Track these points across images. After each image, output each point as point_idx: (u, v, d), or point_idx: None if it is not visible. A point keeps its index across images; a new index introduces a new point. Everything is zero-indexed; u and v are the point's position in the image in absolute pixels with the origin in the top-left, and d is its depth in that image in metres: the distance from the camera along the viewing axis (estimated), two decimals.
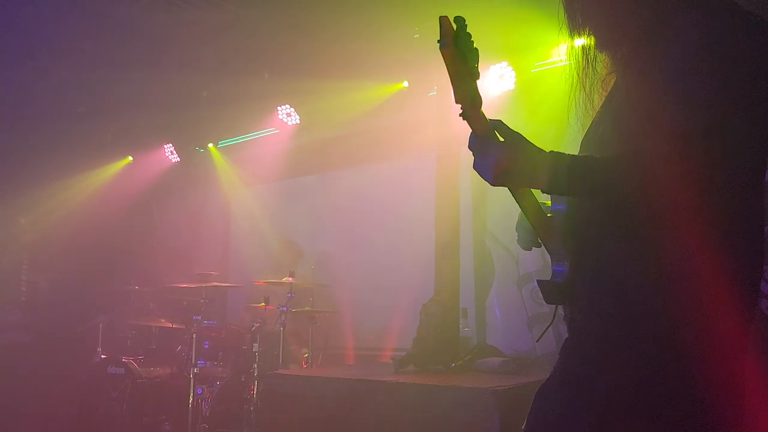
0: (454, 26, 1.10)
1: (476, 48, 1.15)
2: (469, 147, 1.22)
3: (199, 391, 4.10)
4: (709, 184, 1.11)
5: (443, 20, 1.09)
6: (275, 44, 4.64)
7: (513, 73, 4.29)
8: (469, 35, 1.12)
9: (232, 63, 4.89)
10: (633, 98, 1.24)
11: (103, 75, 5.03)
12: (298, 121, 5.54)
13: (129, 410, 4.16)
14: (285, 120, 5.57)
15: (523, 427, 1.26)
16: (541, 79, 4.20)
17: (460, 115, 1.18)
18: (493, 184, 1.19)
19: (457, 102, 1.17)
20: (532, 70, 4.30)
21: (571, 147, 1.46)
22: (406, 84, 4.85)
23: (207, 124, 6.09)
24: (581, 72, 1.41)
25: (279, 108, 5.52)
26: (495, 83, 4.35)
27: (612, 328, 1.18)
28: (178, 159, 6.50)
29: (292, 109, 5.50)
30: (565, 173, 1.15)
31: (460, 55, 1.11)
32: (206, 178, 6.49)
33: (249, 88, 5.22)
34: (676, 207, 1.10)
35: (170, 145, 6.46)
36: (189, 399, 4.03)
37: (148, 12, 4.18)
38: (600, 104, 1.42)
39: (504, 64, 4.30)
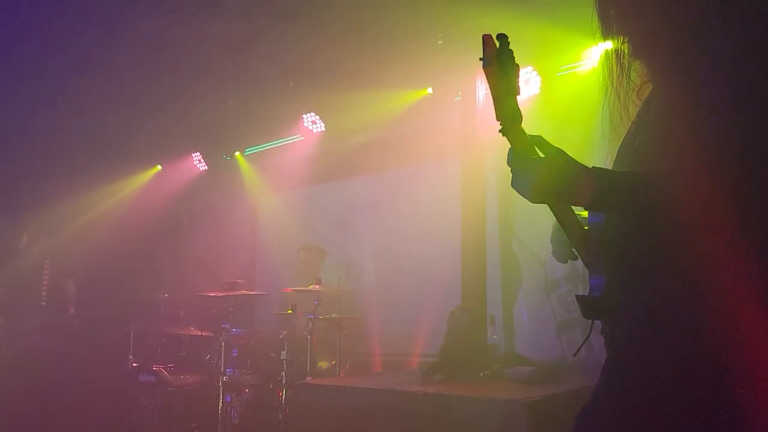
0: (497, 44, 1.10)
1: (517, 64, 1.13)
2: (509, 164, 1.20)
3: (228, 399, 4.14)
4: (749, 204, 1.07)
5: (486, 38, 1.09)
6: (300, 53, 4.67)
7: (539, 78, 4.25)
8: (512, 52, 1.11)
9: (258, 72, 4.95)
10: (672, 109, 1.20)
11: (132, 86, 5.13)
12: (324, 129, 5.57)
13: (159, 418, 4.21)
14: (310, 128, 5.61)
15: None
16: (567, 83, 4.15)
17: (500, 131, 1.17)
18: (532, 201, 1.17)
19: (498, 119, 1.16)
20: (557, 74, 4.25)
21: (597, 152, 1.43)
22: (430, 90, 4.83)
23: (234, 133, 6.17)
24: (615, 80, 1.38)
25: (304, 116, 5.56)
26: (521, 88, 4.30)
27: (652, 349, 1.15)
28: (206, 167, 6.59)
29: (317, 117, 5.54)
30: (607, 191, 1.13)
31: (502, 72, 1.10)
32: (233, 185, 6.56)
33: (275, 97, 5.28)
34: (715, 226, 1.06)
35: (198, 153, 6.56)
36: (218, 407, 4.07)
37: (176, 24, 4.26)
38: (635, 113, 1.39)
39: (530, 68, 4.27)
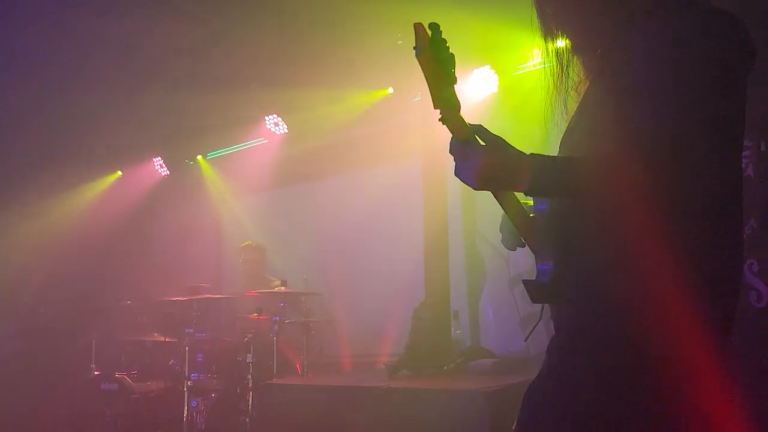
0: (429, 32, 1.12)
1: (452, 53, 1.16)
2: (451, 152, 1.23)
3: (194, 404, 4.09)
4: (680, 185, 1.12)
5: (418, 27, 1.11)
6: (260, 55, 4.65)
7: (496, 77, 4.33)
8: (445, 41, 1.14)
9: (219, 75, 4.91)
10: (605, 102, 1.26)
11: (89, 90, 5.04)
12: (286, 131, 5.56)
13: (123, 426, 4.14)
14: (273, 130, 5.59)
15: (513, 426, 1.27)
16: (524, 81, 4.24)
17: (440, 119, 1.19)
18: (475, 188, 1.21)
19: (435, 107, 1.18)
20: (514, 73, 4.33)
21: (557, 148, 1.48)
22: (391, 90, 4.87)
23: (196, 137, 6.10)
24: (555, 77, 1.43)
25: (267, 118, 5.54)
26: (478, 87, 4.38)
27: (593, 326, 1.20)
28: (168, 172, 6.51)
29: (280, 119, 5.53)
30: (545, 175, 1.16)
31: (436, 60, 1.12)
32: (197, 190, 6.49)
33: (236, 99, 5.23)
34: (641, 207, 1.11)
35: (159, 158, 6.47)
36: (184, 412, 4.02)
37: (133, 26, 4.20)
38: (575, 108, 1.44)
39: (487, 67, 4.34)
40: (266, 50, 4.58)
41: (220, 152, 6.36)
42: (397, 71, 4.51)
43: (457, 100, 1.19)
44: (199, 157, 6.48)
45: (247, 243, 5.39)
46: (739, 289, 1.22)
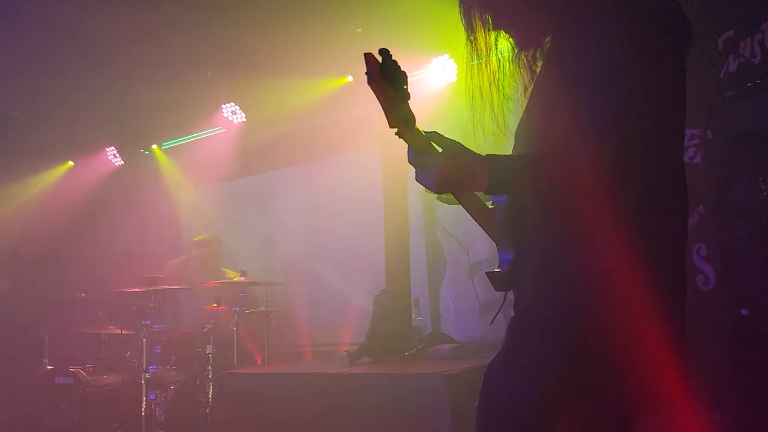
0: (380, 58, 1.17)
1: (404, 72, 1.22)
2: (409, 161, 1.29)
3: (153, 397, 4.03)
4: (630, 171, 1.17)
5: (367, 56, 1.17)
6: (217, 42, 4.57)
7: (455, 66, 4.36)
8: (395, 63, 1.20)
9: (174, 62, 4.80)
10: (555, 92, 1.30)
11: (37, 78, 4.87)
12: (244, 120, 5.49)
13: (80, 420, 4.05)
14: (230, 118, 5.51)
15: (476, 403, 1.31)
16: (483, 70, 4.28)
17: (396, 134, 1.26)
18: (437, 192, 1.29)
19: (391, 127, 1.25)
20: (472, 62, 4.36)
21: (514, 119, 1.52)
22: (350, 78, 4.86)
23: (150, 126, 5.96)
24: (498, 69, 1.47)
25: (224, 106, 5.45)
26: (438, 76, 4.40)
27: (549, 304, 1.24)
28: (122, 162, 6.35)
29: (237, 107, 5.45)
30: (502, 176, 1.22)
31: (388, 83, 1.18)
32: (152, 180, 6.35)
33: (192, 87, 5.13)
34: (600, 196, 1.16)
35: (113, 148, 6.31)
36: (142, 405, 3.96)
37: (84, 12, 4.07)
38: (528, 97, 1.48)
39: (446, 56, 4.37)
40: (222, 37, 4.50)
41: (177, 141, 6.23)
42: (357, 59, 4.40)
43: (412, 114, 1.25)
44: (154, 146, 6.34)
45: (199, 237, 5.30)
46: (685, 269, 1.28)
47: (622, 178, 1.16)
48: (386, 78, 1.18)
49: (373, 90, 1.20)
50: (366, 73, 1.17)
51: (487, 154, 1.24)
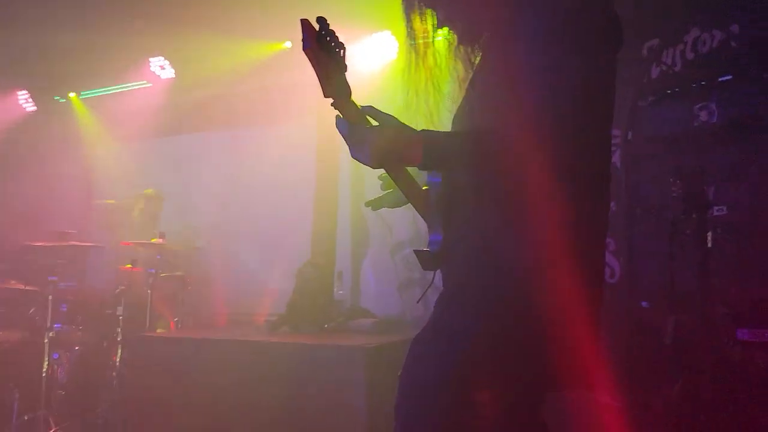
0: (317, 26, 1.16)
1: (342, 42, 1.22)
2: (343, 135, 1.27)
3: (56, 357, 3.85)
4: (560, 159, 1.22)
5: (303, 22, 1.16)
6: None
7: (396, 43, 4.35)
8: (333, 32, 1.19)
9: (101, 5, 4.50)
10: (494, 75, 1.33)
11: None
12: (173, 76, 5.26)
13: None
14: (158, 73, 5.26)
15: (398, 373, 1.33)
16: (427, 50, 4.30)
17: (332, 104, 1.25)
18: (372, 167, 1.26)
19: (326, 96, 1.23)
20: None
21: (449, 116, 1.54)
22: (288, 44, 4.75)
23: (69, 72, 5.57)
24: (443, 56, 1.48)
25: (151, 59, 5.19)
26: (377, 52, 4.38)
27: (477, 279, 1.28)
28: (35, 108, 5.93)
29: (167, 63, 5.21)
30: (437, 150, 1.22)
31: (324, 51, 1.17)
32: (67, 130, 5.97)
33: (119, 35, 4.83)
34: (529, 179, 1.21)
35: (25, 91, 5.88)
36: (44, 366, 3.77)
37: None
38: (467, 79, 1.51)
39: (387, 33, 4.35)
40: None
41: (97, 92, 5.88)
42: (296, 25, 4.35)
43: (348, 86, 1.25)
44: (72, 94, 5.95)
45: (148, 191, 5.06)
46: (604, 259, 1.36)
47: (555, 160, 1.20)
48: (322, 46, 1.17)
49: (308, 57, 1.18)
50: (302, 39, 1.16)
51: (423, 129, 1.25)
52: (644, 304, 3.07)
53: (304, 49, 1.16)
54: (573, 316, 1.21)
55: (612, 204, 3.52)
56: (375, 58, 4.38)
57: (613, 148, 3.52)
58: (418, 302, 1.69)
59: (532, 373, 1.25)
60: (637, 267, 3.27)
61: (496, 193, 1.27)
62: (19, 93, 5.87)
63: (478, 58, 1.50)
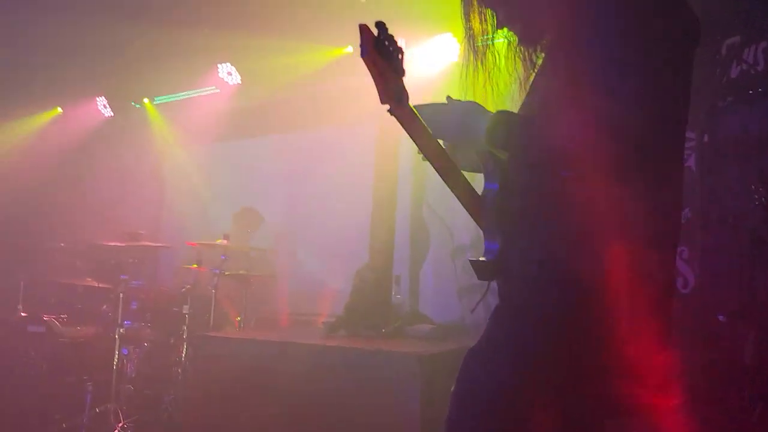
0: (375, 31, 1.14)
1: (400, 47, 1.20)
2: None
3: (126, 352, 4.02)
4: (635, 161, 1.15)
5: (362, 28, 1.14)
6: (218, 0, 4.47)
7: (457, 45, 4.30)
8: (391, 37, 1.17)
9: (173, 14, 4.68)
10: (557, 79, 1.28)
11: (29, 19, 4.73)
12: (239, 82, 5.40)
13: (49, 370, 4.02)
14: (225, 79, 5.42)
15: (452, 388, 1.29)
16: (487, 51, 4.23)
17: (388, 111, 1.23)
18: (446, 138, 1.31)
19: (383, 102, 1.22)
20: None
21: None
22: (350, 49, 4.78)
23: (144, 79, 5.84)
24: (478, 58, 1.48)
25: (219, 66, 5.36)
26: (439, 55, 4.34)
27: (541, 298, 1.22)
28: (112, 114, 6.23)
29: (233, 68, 5.36)
30: (504, 123, 1.22)
31: (382, 57, 1.16)
32: (141, 134, 6.25)
33: (190, 43, 5.02)
34: (591, 183, 1.14)
35: (103, 98, 6.19)
36: (114, 360, 3.94)
37: None
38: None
39: (449, 35, 4.30)
40: None
41: (169, 98, 6.12)
42: (357, 30, 4.40)
43: (405, 91, 1.23)
44: (146, 100, 6.22)
45: (244, 208, 5.18)
46: (675, 272, 1.27)
47: (622, 167, 1.14)
48: (380, 52, 1.15)
49: (365, 63, 1.17)
50: (360, 45, 1.14)
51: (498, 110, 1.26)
52: (721, 317, 2.88)
53: (362, 56, 1.15)
54: (641, 335, 1.13)
55: (686, 211, 3.33)
56: (436, 61, 4.34)
57: (688, 152, 3.34)
58: (472, 312, 1.64)
59: (592, 398, 1.18)
60: (713, 277, 3.07)
61: (558, 200, 1.21)
62: (99, 99, 6.18)
63: (540, 59, 1.45)
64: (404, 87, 1.22)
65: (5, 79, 5.52)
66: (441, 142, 1.36)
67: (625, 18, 1.15)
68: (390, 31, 1.19)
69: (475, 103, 1.31)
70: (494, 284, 1.40)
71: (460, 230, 4.51)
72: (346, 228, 4.78)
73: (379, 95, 1.20)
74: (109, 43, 5.10)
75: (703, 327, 2.96)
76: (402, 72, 1.20)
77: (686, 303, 3.16)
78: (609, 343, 1.14)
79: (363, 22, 1.16)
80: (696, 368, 2.83)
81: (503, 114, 1.25)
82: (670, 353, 1.19)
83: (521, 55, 1.46)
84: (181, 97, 6.01)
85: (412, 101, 1.27)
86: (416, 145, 1.31)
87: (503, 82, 1.50)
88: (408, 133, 1.28)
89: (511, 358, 1.20)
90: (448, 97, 1.33)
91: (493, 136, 1.23)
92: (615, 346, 1.14)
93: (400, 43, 1.22)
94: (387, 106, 1.23)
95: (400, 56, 1.20)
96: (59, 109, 6.36)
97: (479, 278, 1.37)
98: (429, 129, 1.29)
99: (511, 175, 1.33)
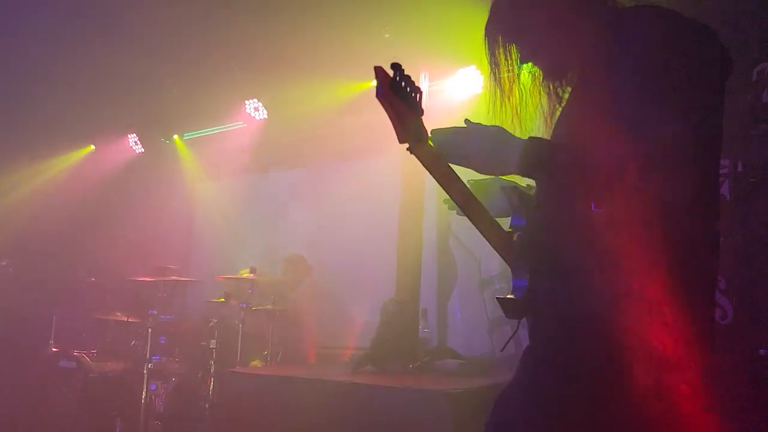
0: (391, 72, 1.15)
1: (417, 86, 1.20)
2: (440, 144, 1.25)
3: (153, 387, 4.02)
4: (656, 196, 1.12)
5: (377, 70, 1.15)
6: (245, 38, 4.58)
7: (481, 77, 4.31)
8: (408, 77, 1.17)
9: (202, 54, 4.81)
10: (584, 113, 1.27)
11: (63, 58, 4.89)
12: (266, 116, 5.48)
13: (80, 406, 4.05)
14: (252, 114, 5.51)
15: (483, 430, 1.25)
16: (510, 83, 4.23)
17: (408, 149, 1.22)
18: (476, 167, 1.24)
19: (401, 142, 1.21)
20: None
21: None
22: (374, 83, 4.81)
23: (173, 116, 5.99)
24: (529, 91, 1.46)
25: (247, 102, 5.45)
26: (463, 87, 4.35)
27: (572, 340, 1.18)
28: (143, 150, 6.38)
29: (260, 104, 5.45)
30: (537, 150, 1.18)
31: (398, 97, 1.15)
32: (171, 170, 6.37)
33: (217, 81, 5.15)
34: (638, 218, 1.11)
35: (134, 135, 6.34)
36: (142, 395, 3.94)
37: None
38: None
39: (472, 67, 4.32)
40: (251, 34, 4.51)
41: (198, 133, 6.24)
42: (383, 64, 4.45)
43: (425, 130, 1.22)
44: (175, 136, 6.36)
45: (296, 256, 5.13)
46: (714, 306, 1.22)
47: (655, 201, 1.11)
48: (396, 93, 1.15)
49: (382, 104, 1.17)
50: (376, 87, 1.15)
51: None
52: (762, 351, 2.76)
53: (378, 97, 1.15)
54: (676, 380, 1.08)
55: (721, 239, 3.24)
56: (461, 93, 4.35)
57: (721, 179, 3.27)
58: (501, 351, 1.59)
59: None
60: (754, 309, 2.96)
61: (590, 237, 1.17)
62: (130, 136, 6.34)
63: (566, 94, 1.44)
64: (423, 126, 1.21)
65: (42, 118, 5.70)
66: (464, 180, 1.34)
67: (653, 53, 1.14)
68: (407, 72, 1.19)
69: (501, 128, 1.28)
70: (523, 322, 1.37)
71: (488, 261, 4.45)
72: (372, 260, 4.76)
73: (397, 135, 1.19)
74: (141, 81, 5.25)
75: (743, 361, 2.84)
76: (420, 111, 1.19)
77: (725, 335, 3.05)
78: (643, 391, 1.10)
79: (378, 64, 1.16)
80: (736, 405, 2.71)
81: (540, 138, 1.22)
82: (707, 393, 1.13)
83: (546, 90, 1.45)
84: (209, 133, 6.12)
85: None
86: (438, 182, 1.28)
87: (529, 116, 1.49)
88: (429, 171, 1.26)
89: (542, 406, 1.16)
90: (467, 120, 1.30)
91: (530, 157, 1.18)
92: (649, 395, 1.10)
93: (421, 80, 1.22)
94: (405, 145, 1.22)
95: (417, 96, 1.19)
96: (92, 147, 6.52)
97: (507, 317, 1.34)
98: (450, 159, 1.27)
99: (539, 209, 1.30)
